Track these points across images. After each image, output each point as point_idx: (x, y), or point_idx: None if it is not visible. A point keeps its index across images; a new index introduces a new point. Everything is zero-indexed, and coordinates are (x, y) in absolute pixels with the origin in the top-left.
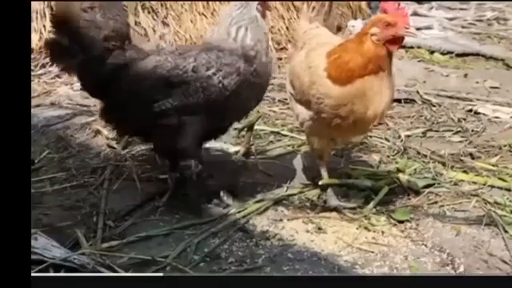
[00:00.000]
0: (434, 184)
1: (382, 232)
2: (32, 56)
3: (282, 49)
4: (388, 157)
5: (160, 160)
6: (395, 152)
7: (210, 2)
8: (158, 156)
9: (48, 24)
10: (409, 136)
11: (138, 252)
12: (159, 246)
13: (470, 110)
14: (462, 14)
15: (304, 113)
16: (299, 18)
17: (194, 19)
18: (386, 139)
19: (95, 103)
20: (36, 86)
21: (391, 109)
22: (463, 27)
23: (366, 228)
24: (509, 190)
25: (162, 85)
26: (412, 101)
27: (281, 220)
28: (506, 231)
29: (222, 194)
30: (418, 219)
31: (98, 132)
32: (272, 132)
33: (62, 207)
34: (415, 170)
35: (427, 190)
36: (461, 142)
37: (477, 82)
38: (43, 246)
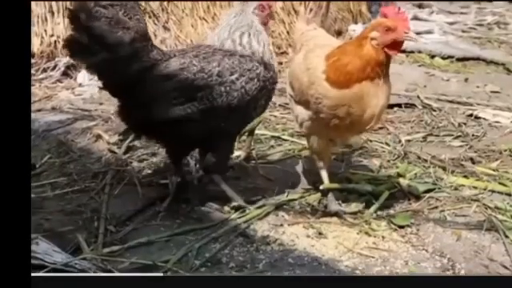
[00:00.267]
0: (434, 189)
1: (383, 237)
2: (33, 60)
3: (282, 53)
4: (388, 161)
5: (169, 160)
6: (396, 157)
7: (211, 7)
8: (169, 157)
9: (49, 28)
10: (409, 141)
11: (139, 257)
12: (160, 251)
13: (471, 115)
14: (462, 18)
15: (303, 113)
16: (297, 21)
17: (194, 24)
18: (387, 144)
19: (96, 108)
20: (37, 91)
21: (392, 113)
22: (464, 31)
23: (366, 233)
24: (509, 194)
25: (187, 87)
26: (412, 105)
27: (281, 225)
28: (506, 236)
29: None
30: (418, 224)
31: (99, 137)
32: (273, 137)
33: (63, 212)
34: (416, 174)
35: (428, 195)
36: (461, 146)
37: (477, 87)
38: (44, 250)
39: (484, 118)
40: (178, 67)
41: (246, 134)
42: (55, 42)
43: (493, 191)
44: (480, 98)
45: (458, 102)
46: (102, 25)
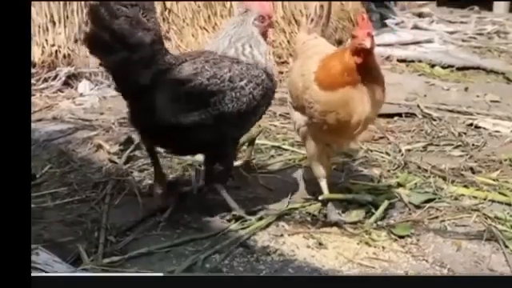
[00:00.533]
0: (434, 199)
1: (383, 247)
2: (34, 70)
3: (283, 62)
4: (388, 171)
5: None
6: (396, 166)
7: (211, 17)
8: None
9: (50, 38)
10: (409, 150)
11: (140, 267)
12: (161, 262)
13: (471, 124)
14: (462, 27)
15: (300, 118)
16: (299, 31)
17: (195, 33)
18: (387, 153)
19: (97, 118)
20: (38, 101)
21: (392, 123)
22: (464, 41)
23: (366, 243)
24: (509, 204)
25: (201, 92)
26: (413, 115)
27: (281, 235)
28: (506, 246)
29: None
30: (418, 234)
31: (99, 147)
32: (273, 146)
33: (63, 222)
34: (416, 184)
35: (428, 205)
36: (461, 156)
37: (477, 96)
38: (45, 261)
39: (484, 128)
40: (192, 72)
41: (247, 143)
42: (56, 51)
43: (493, 201)
44: (480, 107)
45: (458, 112)
46: (123, 23)
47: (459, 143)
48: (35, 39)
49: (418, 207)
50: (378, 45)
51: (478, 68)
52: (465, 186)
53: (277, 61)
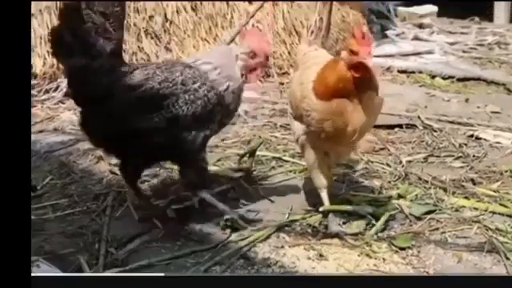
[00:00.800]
0: (435, 210)
1: (384, 259)
2: (35, 81)
3: (283, 73)
4: (389, 182)
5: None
6: (396, 178)
7: (212, 28)
8: (126, 173)
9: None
10: (410, 161)
11: None
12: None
13: (471, 136)
14: (462, 38)
15: (299, 128)
16: (300, 43)
17: (196, 45)
18: (388, 165)
19: None
20: (39, 112)
21: (393, 134)
22: (464, 52)
23: (367, 255)
24: (510, 216)
25: (153, 96)
26: (413, 126)
27: (282, 247)
28: (507, 258)
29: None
30: (419, 246)
31: (100, 158)
32: (274, 158)
33: (64, 234)
34: (416, 195)
35: (428, 217)
36: (462, 167)
37: (478, 107)
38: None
39: (485, 139)
40: (143, 77)
41: (248, 155)
42: (57, 63)
43: (494, 212)
44: (481, 118)
45: (459, 123)
46: (88, 29)
47: (460, 154)
48: (37, 50)
49: (418, 219)
50: (379, 56)
51: (478, 79)
52: (466, 198)
53: (277, 72)
